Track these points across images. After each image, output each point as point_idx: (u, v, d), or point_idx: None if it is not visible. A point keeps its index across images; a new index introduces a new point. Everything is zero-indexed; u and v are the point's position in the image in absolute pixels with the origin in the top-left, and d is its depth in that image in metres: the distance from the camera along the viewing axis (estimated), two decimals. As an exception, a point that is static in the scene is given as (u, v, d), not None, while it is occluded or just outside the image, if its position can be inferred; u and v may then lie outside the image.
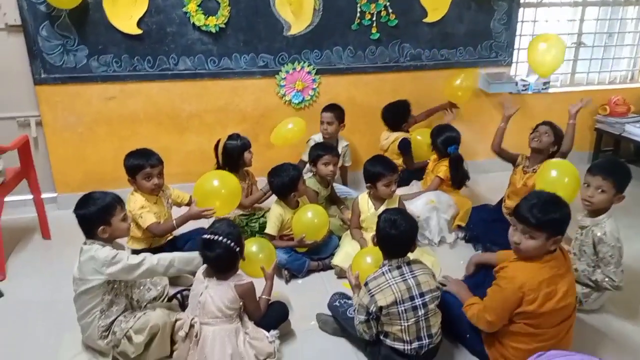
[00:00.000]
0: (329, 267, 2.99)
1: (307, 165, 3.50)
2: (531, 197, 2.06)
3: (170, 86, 3.70)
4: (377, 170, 2.95)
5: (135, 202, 2.70)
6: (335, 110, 3.71)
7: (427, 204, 3.28)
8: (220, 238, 2.14)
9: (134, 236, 2.75)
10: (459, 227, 3.36)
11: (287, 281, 2.89)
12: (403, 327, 2.10)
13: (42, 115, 3.58)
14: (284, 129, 3.60)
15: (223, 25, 3.61)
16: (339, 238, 3.14)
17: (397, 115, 3.87)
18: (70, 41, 3.43)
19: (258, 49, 3.76)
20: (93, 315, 2.16)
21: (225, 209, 2.84)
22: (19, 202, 3.57)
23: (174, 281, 2.70)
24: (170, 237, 2.96)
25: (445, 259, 3.01)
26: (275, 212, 2.98)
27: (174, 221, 2.76)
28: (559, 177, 2.78)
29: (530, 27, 4.37)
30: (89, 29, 3.43)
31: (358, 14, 3.83)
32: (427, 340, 2.14)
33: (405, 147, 3.79)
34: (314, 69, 3.91)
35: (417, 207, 3.26)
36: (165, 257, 2.24)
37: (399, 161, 3.76)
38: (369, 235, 2.98)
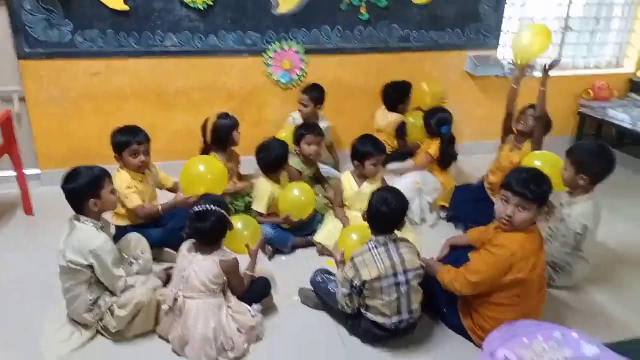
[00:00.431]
0: (312, 244, 3.02)
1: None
2: (521, 172, 2.15)
3: (157, 63, 3.67)
4: (367, 150, 2.98)
5: (122, 180, 2.68)
6: (312, 93, 3.68)
7: (412, 185, 3.31)
8: (213, 207, 2.18)
9: (119, 213, 2.75)
10: (442, 207, 3.42)
11: (270, 258, 2.93)
12: (385, 302, 2.15)
13: (25, 90, 3.53)
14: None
15: (211, 3, 3.57)
16: (323, 216, 3.18)
17: (398, 95, 3.89)
18: (55, 16, 3.38)
19: (246, 27, 3.73)
20: (79, 289, 2.18)
21: None
22: (1, 179, 3.56)
23: (157, 258, 2.71)
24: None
25: (426, 238, 3.06)
26: (264, 190, 3.00)
27: (160, 207, 2.77)
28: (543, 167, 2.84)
29: (518, 11, 4.37)
30: (75, 3, 3.37)
31: (348, -6, 3.81)
32: (407, 316, 2.20)
33: (402, 130, 3.83)
34: (302, 48, 3.89)
35: (401, 187, 3.29)
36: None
37: (389, 142, 3.81)
38: (352, 213, 3.04)
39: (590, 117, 4.63)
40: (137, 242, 2.49)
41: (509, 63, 4.15)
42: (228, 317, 2.19)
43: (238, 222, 2.60)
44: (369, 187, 2.95)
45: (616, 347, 1.20)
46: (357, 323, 2.28)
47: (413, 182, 3.33)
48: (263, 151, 3.04)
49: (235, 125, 3.20)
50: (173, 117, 3.85)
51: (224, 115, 3.20)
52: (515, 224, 2.09)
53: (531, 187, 2.06)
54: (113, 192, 2.26)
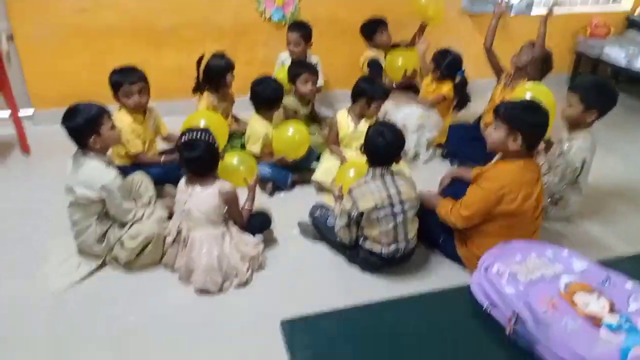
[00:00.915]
0: (309, 180, 3.05)
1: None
2: (514, 101, 2.24)
3: (146, -1, 3.56)
4: (377, 92, 2.96)
5: (122, 121, 2.64)
6: (302, 30, 3.55)
7: (416, 117, 3.32)
8: (200, 135, 2.21)
9: (119, 153, 2.74)
10: (439, 145, 3.45)
11: (270, 194, 2.98)
12: (382, 231, 2.22)
13: (13, 28, 3.43)
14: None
15: None
16: (319, 155, 3.19)
17: (365, 31, 3.76)
18: (38, -52, 3.24)
19: (237, -40, 3.61)
20: (89, 221, 2.23)
21: None
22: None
23: (158, 194, 2.72)
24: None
25: (421, 174, 3.11)
26: (258, 131, 2.99)
27: (162, 158, 2.78)
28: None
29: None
30: None
31: None
32: (403, 244, 2.27)
33: (373, 67, 3.73)
34: (295, -17, 3.78)
35: (404, 115, 3.31)
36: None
37: None
38: (348, 152, 3.06)
39: (585, 55, 4.61)
40: (141, 180, 2.53)
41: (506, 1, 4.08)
42: (231, 246, 2.25)
43: (234, 157, 2.64)
44: (365, 126, 2.91)
45: (603, 264, 1.26)
46: (355, 253, 2.36)
47: (418, 116, 3.34)
48: (259, 85, 3.00)
49: (229, 67, 3.13)
50: (164, 55, 3.77)
51: (219, 56, 3.12)
52: (490, 144, 2.22)
53: (505, 105, 2.19)
54: (113, 127, 2.27)
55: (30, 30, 3.45)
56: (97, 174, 2.17)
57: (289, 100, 3.28)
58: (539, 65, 3.22)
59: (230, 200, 2.26)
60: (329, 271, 2.40)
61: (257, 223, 2.44)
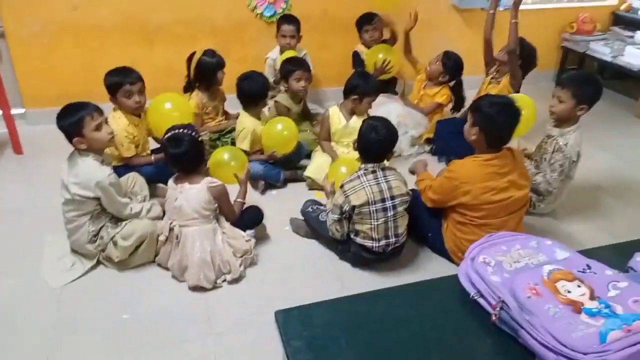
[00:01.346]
0: (302, 178, 3.08)
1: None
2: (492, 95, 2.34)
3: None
4: (370, 88, 2.99)
5: (118, 124, 2.60)
6: (296, 23, 3.59)
7: (395, 117, 3.33)
8: (183, 131, 2.24)
9: (112, 153, 2.70)
10: (428, 140, 3.49)
11: (262, 192, 3.00)
12: (373, 225, 2.26)
13: (4, 25, 3.42)
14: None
15: None
16: (311, 152, 3.22)
17: (356, 26, 3.80)
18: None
19: (228, -43, 3.62)
20: (82, 220, 2.25)
21: None
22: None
23: (151, 194, 2.75)
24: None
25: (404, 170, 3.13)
26: (246, 127, 3.00)
27: (153, 157, 2.78)
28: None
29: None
30: None
31: None
32: (393, 239, 2.32)
33: (354, 60, 3.79)
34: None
35: (383, 114, 3.32)
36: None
37: None
38: (340, 149, 3.09)
39: (572, 50, 4.67)
40: (135, 180, 2.56)
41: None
42: (223, 242, 2.28)
43: (224, 153, 2.66)
44: (357, 122, 2.95)
45: (585, 253, 1.31)
46: (346, 247, 2.40)
47: (397, 115, 3.33)
48: (245, 80, 3.00)
49: (220, 65, 3.14)
50: (156, 53, 3.77)
51: (210, 53, 3.12)
52: (465, 135, 2.33)
53: (475, 101, 2.36)
54: (98, 128, 2.19)
55: (21, 28, 3.45)
56: (92, 171, 2.18)
57: (282, 97, 3.30)
58: (516, 60, 3.21)
59: (219, 194, 2.29)
60: (321, 266, 2.43)
61: (249, 218, 2.47)
